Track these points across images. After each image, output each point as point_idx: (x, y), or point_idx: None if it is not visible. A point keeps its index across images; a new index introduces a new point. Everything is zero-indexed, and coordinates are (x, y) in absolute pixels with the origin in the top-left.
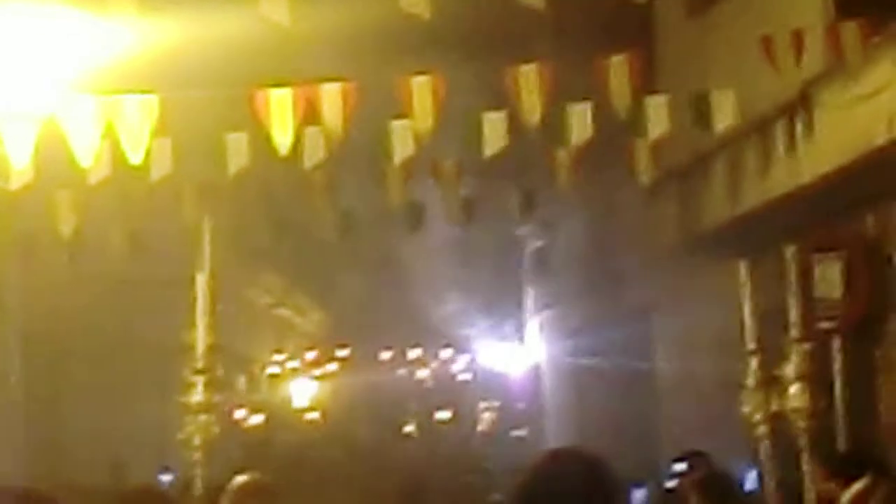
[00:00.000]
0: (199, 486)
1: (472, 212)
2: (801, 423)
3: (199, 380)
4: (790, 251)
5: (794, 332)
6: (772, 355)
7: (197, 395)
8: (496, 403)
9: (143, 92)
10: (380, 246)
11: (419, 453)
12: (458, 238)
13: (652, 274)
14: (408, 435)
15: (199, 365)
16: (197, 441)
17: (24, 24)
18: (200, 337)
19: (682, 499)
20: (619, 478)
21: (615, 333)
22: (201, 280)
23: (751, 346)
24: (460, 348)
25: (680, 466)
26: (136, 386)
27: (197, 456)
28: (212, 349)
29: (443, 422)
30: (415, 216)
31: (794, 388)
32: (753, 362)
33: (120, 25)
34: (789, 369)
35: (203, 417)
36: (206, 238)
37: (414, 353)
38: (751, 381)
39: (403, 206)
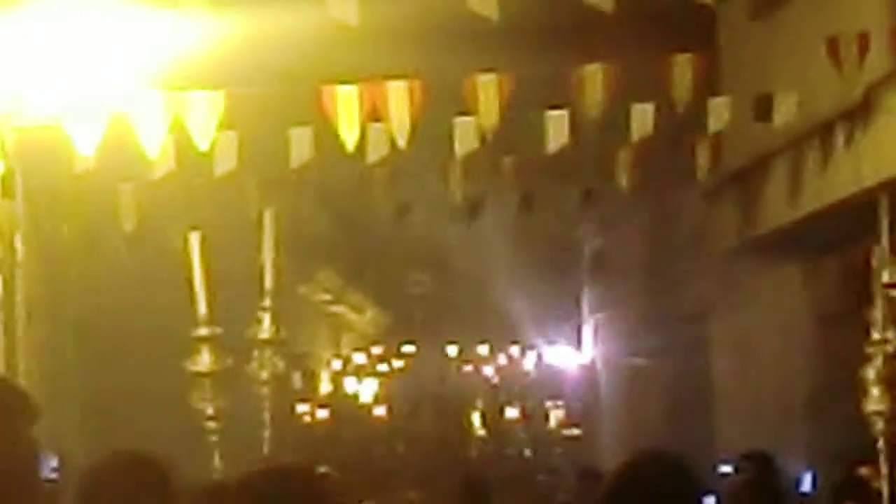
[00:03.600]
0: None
1: (531, 208)
2: (881, 426)
3: (206, 383)
4: (877, 251)
5: (875, 334)
6: (842, 357)
7: (205, 404)
8: (561, 402)
9: (210, 87)
10: (440, 243)
11: (486, 450)
12: (517, 236)
13: (710, 276)
14: (474, 431)
15: (204, 366)
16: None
17: (93, 18)
18: (201, 313)
19: (735, 499)
20: (703, 481)
21: (672, 335)
22: (194, 240)
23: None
24: (521, 346)
25: (731, 467)
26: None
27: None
28: (211, 339)
29: (510, 420)
30: (473, 211)
31: (875, 391)
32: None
33: (189, 21)
34: (870, 371)
35: (213, 425)
36: (269, 231)
37: (480, 350)
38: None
39: (463, 202)
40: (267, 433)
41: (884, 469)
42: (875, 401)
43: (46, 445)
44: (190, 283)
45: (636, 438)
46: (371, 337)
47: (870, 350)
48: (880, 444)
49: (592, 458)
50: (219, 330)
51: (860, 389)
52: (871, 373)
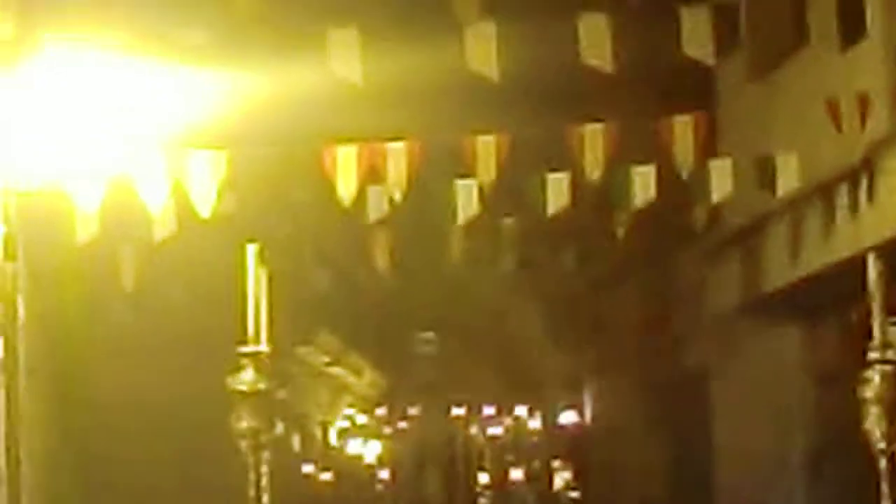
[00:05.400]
0: None
1: (532, 269)
2: (882, 446)
3: (247, 401)
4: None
5: (874, 354)
6: (841, 418)
7: (244, 422)
8: (567, 463)
9: (211, 148)
10: (442, 304)
11: None
12: (519, 297)
13: (710, 337)
14: (480, 493)
15: (246, 385)
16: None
17: (94, 81)
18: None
19: None
20: None
21: (673, 395)
22: (251, 252)
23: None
24: (526, 407)
25: None
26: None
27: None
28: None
29: (515, 481)
30: (474, 272)
31: (874, 410)
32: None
33: (190, 82)
34: (868, 391)
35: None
36: (263, 294)
37: (485, 411)
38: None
39: (464, 263)
40: (265, 483)
41: (885, 488)
42: (874, 421)
43: None
44: (243, 296)
45: (638, 501)
46: (370, 399)
47: (868, 370)
48: (882, 464)
49: None
50: (264, 348)
51: (860, 410)
52: (868, 392)
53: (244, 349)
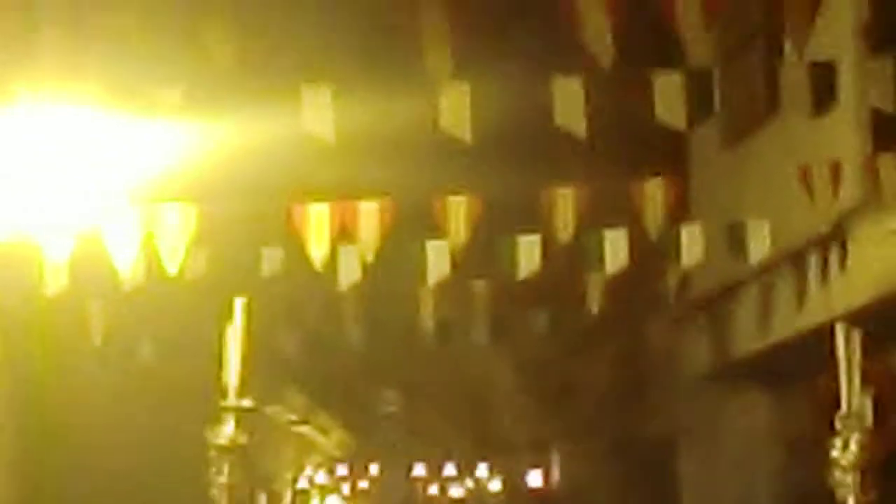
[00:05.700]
0: None
1: (501, 332)
2: None
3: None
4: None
5: (845, 420)
6: (809, 485)
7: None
8: None
9: (182, 202)
10: (409, 365)
11: None
12: (487, 360)
13: (678, 403)
14: None
15: (225, 439)
16: None
17: (64, 133)
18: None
19: None
20: None
21: (640, 461)
22: (238, 306)
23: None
24: (489, 467)
25: None
26: None
27: None
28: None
29: None
30: (442, 333)
31: (846, 478)
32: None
33: (161, 135)
34: (845, 458)
35: None
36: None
37: (446, 471)
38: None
39: (433, 325)
40: None
41: None
42: (846, 489)
43: None
44: (221, 349)
45: None
46: (336, 458)
47: (839, 437)
48: None
49: None
50: (247, 403)
51: (831, 478)
52: (840, 459)
53: (226, 403)
